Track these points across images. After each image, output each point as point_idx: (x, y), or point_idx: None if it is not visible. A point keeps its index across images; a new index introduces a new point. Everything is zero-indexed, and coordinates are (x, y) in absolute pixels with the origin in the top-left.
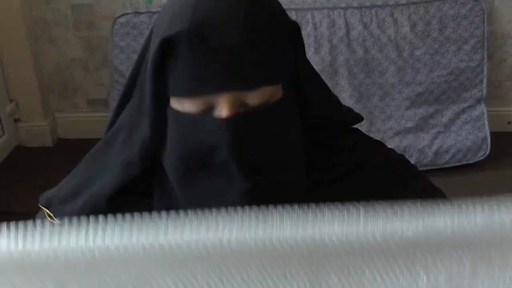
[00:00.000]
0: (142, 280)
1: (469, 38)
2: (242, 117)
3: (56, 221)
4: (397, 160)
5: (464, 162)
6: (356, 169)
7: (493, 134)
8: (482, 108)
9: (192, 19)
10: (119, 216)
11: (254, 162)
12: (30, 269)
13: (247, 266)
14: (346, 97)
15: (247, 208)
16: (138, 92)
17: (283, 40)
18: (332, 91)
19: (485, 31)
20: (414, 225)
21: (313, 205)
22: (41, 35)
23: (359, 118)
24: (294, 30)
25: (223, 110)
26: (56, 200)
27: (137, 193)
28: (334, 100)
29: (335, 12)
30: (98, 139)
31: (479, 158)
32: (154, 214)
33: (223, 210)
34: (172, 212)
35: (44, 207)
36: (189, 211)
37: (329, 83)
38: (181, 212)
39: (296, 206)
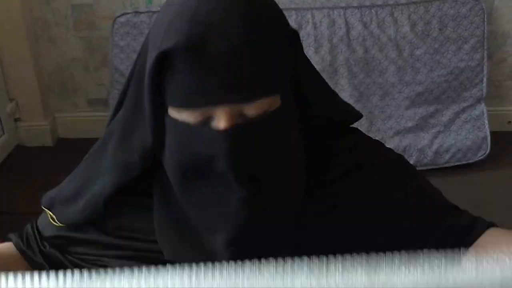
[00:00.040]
0: None
1: (469, 37)
2: (240, 129)
3: (58, 224)
4: (397, 160)
5: (464, 162)
6: (356, 169)
7: (493, 133)
8: (482, 107)
9: (189, 32)
10: None
11: (252, 172)
12: None
13: None
14: (346, 97)
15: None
16: (132, 92)
17: (282, 47)
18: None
19: (485, 31)
20: None
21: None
22: (41, 35)
23: (359, 116)
24: (293, 34)
25: (221, 122)
26: (58, 201)
27: (137, 192)
28: (334, 100)
29: (335, 12)
30: (98, 139)
31: (479, 158)
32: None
33: None
34: None
35: (47, 209)
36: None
37: (329, 83)
38: None
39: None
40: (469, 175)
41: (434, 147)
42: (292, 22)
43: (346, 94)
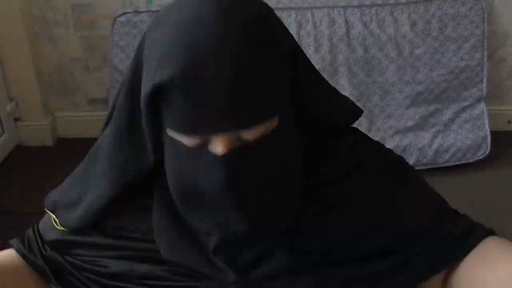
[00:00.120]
0: None
1: (469, 37)
2: (238, 153)
3: (61, 227)
4: (397, 161)
5: (464, 161)
6: (356, 169)
7: (493, 133)
8: (482, 107)
9: (183, 64)
10: None
11: (250, 192)
12: None
13: None
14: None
15: None
16: (124, 92)
17: (281, 67)
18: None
19: (485, 30)
20: None
21: None
22: (41, 34)
23: (359, 113)
24: (294, 48)
25: (218, 147)
26: (60, 206)
27: (137, 192)
28: (334, 101)
29: (335, 11)
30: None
31: (479, 157)
32: None
33: None
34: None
35: (50, 212)
36: None
37: (329, 82)
38: None
39: None
40: (469, 175)
41: (434, 146)
42: (292, 21)
43: (346, 93)
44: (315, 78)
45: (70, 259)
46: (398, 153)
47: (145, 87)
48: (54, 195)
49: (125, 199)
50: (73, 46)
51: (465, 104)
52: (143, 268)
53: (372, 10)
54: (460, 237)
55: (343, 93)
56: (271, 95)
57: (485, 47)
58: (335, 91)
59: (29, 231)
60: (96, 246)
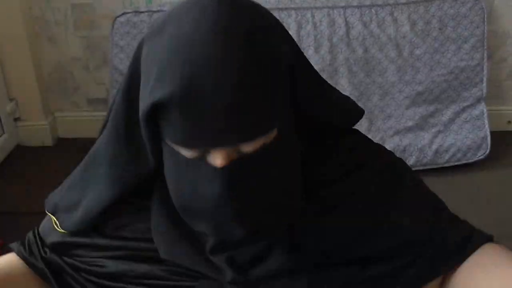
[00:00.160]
0: None
1: (469, 37)
2: (236, 164)
3: (61, 230)
4: (397, 163)
5: (464, 161)
6: (356, 169)
7: (493, 133)
8: (482, 107)
9: (181, 83)
10: None
11: (249, 203)
12: None
13: None
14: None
15: None
16: (120, 113)
17: (281, 80)
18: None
19: (485, 30)
20: None
21: None
22: (41, 34)
23: (360, 114)
24: (294, 62)
25: (217, 160)
26: (60, 209)
27: (137, 192)
28: (335, 103)
29: (335, 11)
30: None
31: (479, 157)
32: None
33: None
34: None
35: (51, 214)
36: None
37: (329, 82)
38: None
39: None
40: (469, 175)
41: (434, 146)
42: (292, 21)
43: (346, 93)
44: (315, 81)
45: (69, 260)
46: (398, 153)
47: (143, 104)
48: (54, 197)
49: (125, 199)
50: (73, 46)
51: (465, 104)
52: (142, 268)
53: (372, 10)
54: (457, 244)
55: (343, 94)
56: (271, 108)
57: (485, 47)
58: (336, 92)
59: (30, 234)
60: (96, 247)
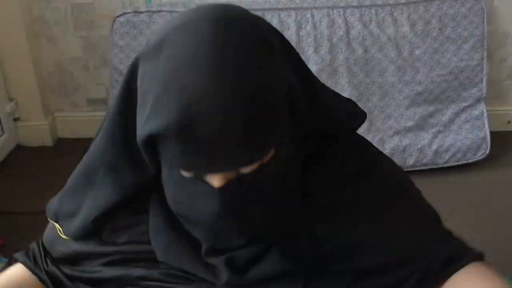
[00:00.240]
0: None
1: (468, 37)
2: (234, 184)
3: (65, 236)
4: (397, 174)
5: (464, 162)
6: (356, 178)
7: (493, 133)
8: (482, 107)
9: (177, 115)
10: None
11: (248, 217)
12: None
13: None
14: (346, 97)
15: None
16: (115, 126)
17: (279, 104)
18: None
19: (485, 30)
20: None
21: None
22: (41, 34)
23: (362, 118)
24: (294, 81)
25: (215, 181)
26: (62, 215)
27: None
28: (336, 110)
29: (334, 11)
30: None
31: (479, 158)
32: None
33: None
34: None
35: (54, 221)
36: None
37: (328, 83)
38: None
39: None
40: (469, 175)
41: (434, 146)
42: (292, 21)
43: (345, 94)
44: (315, 96)
45: (68, 271)
46: (398, 153)
47: (140, 132)
48: (54, 205)
49: (123, 202)
50: (72, 46)
51: (465, 104)
52: (138, 271)
53: (372, 10)
54: (443, 263)
55: (342, 94)
56: (269, 132)
57: (485, 47)
58: (337, 98)
59: (33, 245)
60: (93, 255)
